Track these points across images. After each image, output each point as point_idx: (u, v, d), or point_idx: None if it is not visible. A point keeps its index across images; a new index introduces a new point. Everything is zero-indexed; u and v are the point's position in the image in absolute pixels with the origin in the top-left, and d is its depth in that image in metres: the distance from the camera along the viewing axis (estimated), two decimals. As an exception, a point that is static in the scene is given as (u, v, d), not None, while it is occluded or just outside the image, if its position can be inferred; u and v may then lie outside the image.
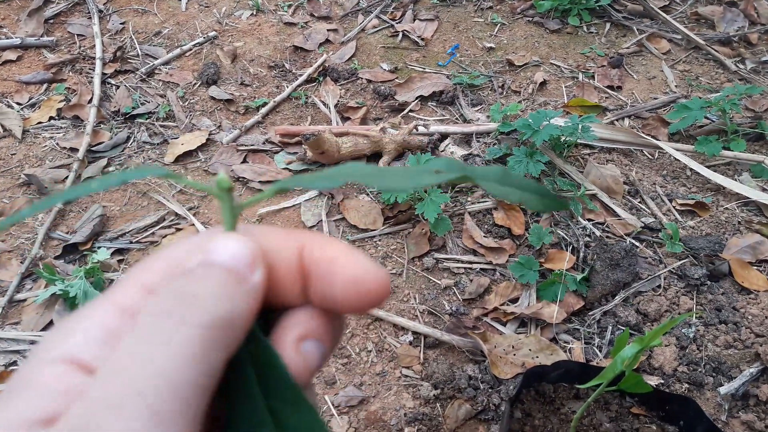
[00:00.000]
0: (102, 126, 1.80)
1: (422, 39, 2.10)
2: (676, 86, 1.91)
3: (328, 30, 2.14)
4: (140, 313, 0.24)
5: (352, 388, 1.22)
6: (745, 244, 1.41)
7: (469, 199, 1.55)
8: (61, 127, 1.80)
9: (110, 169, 1.68)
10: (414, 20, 2.19)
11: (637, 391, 0.84)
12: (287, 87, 1.91)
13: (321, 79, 1.95)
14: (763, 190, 1.55)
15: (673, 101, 1.84)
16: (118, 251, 1.47)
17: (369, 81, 1.94)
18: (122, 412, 0.20)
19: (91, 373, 0.23)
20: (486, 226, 1.49)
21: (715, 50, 2.00)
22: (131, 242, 1.49)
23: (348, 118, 1.82)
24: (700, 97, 1.75)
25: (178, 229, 1.52)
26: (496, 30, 2.15)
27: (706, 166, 1.61)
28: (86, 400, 0.21)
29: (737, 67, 1.95)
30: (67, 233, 1.51)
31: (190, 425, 0.22)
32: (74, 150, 1.71)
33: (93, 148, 1.72)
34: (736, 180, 1.58)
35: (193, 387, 0.22)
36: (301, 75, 1.95)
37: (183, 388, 0.21)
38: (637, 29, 2.13)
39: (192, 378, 0.22)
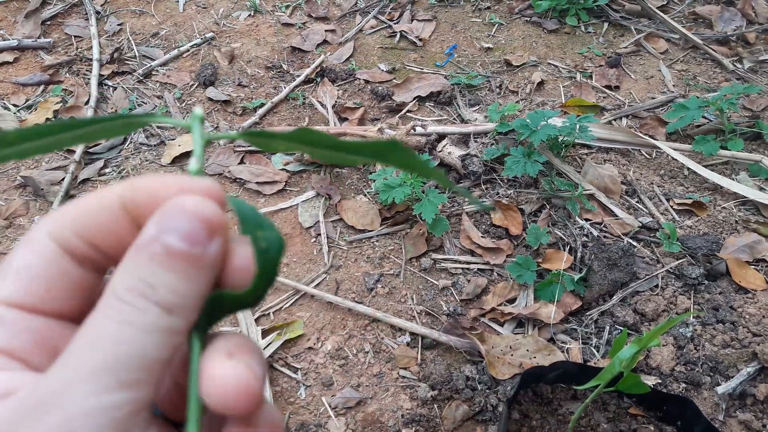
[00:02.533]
0: (99, 127, 1.79)
1: (420, 39, 2.10)
2: (673, 86, 1.91)
3: (325, 31, 2.13)
4: (107, 293, 0.26)
5: (349, 389, 1.21)
6: (743, 243, 1.41)
7: (466, 199, 1.55)
8: (58, 129, 1.79)
9: (106, 170, 1.67)
10: (412, 21, 2.19)
11: (635, 392, 0.84)
12: (285, 88, 1.91)
13: (318, 79, 1.95)
14: (761, 189, 1.55)
15: (670, 101, 1.84)
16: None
17: (367, 81, 1.94)
18: (97, 381, 0.24)
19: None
20: (484, 227, 1.49)
21: (713, 50, 2.00)
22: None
23: (346, 119, 1.82)
24: (697, 97, 1.75)
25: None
26: (493, 30, 2.15)
27: (704, 166, 1.60)
28: (57, 370, 0.24)
29: (735, 66, 1.95)
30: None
31: (151, 391, 0.25)
32: (71, 152, 1.71)
33: (89, 150, 1.72)
34: (733, 179, 1.58)
35: (156, 362, 0.25)
36: (298, 76, 1.95)
37: (147, 363, 0.25)
38: (635, 29, 2.13)
39: (155, 354, 0.25)
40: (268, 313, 1.34)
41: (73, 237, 0.28)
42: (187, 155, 1.70)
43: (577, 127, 1.51)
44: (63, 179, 1.62)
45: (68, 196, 1.59)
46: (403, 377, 1.23)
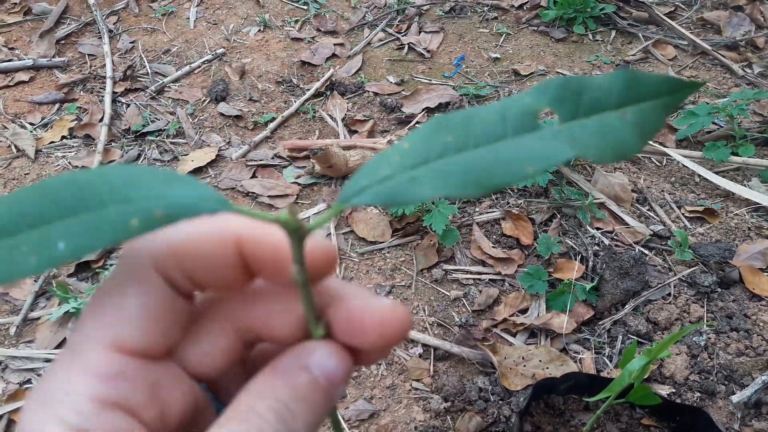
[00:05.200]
0: (113, 144, 1.82)
1: (428, 51, 2.12)
2: (683, 92, 1.90)
3: (334, 44, 2.16)
4: (237, 405, 0.27)
5: (362, 401, 1.22)
6: (756, 250, 1.40)
7: (477, 209, 1.56)
8: (73, 146, 1.82)
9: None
10: (419, 33, 2.21)
11: (646, 403, 0.84)
12: (295, 102, 1.93)
13: (328, 93, 1.97)
14: (773, 195, 1.54)
15: (680, 107, 1.83)
16: (130, 268, 1.49)
17: (376, 94, 1.95)
18: None
19: None
20: (494, 237, 1.49)
21: (722, 55, 2.00)
22: (143, 259, 1.51)
23: (355, 132, 1.83)
24: (707, 103, 1.74)
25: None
26: (501, 40, 2.16)
27: (715, 172, 1.60)
28: None
29: (744, 71, 1.94)
30: (80, 251, 1.53)
31: None
32: (86, 168, 1.73)
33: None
34: (745, 185, 1.57)
35: None
36: (308, 89, 1.97)
37: None
38: (643, 36, 2.13)
39: None
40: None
41: (174, 269, 0.26)
42: (199, 170, 1.73)
43: (586, 136, 1.51)
44: (78, 196, 1.64)
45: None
46: (416, 389, 1.24)
